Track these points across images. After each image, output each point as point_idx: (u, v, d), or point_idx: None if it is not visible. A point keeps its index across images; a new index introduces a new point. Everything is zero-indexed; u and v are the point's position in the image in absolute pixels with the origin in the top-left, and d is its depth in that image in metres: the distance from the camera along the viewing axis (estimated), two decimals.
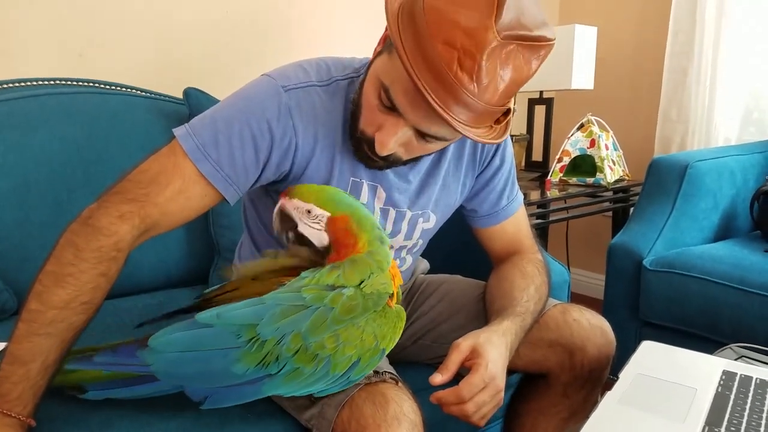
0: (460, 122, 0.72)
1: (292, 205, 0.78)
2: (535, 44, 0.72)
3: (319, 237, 0.79)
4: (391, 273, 0.79)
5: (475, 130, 0.75)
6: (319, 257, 0.81)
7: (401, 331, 0.79)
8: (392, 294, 0.79)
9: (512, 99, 0.78)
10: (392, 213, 0.95)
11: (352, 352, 0.73)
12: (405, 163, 0.86)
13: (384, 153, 0.80)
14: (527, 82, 0.76)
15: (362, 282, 0.75)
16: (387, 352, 0.78)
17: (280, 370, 0.71)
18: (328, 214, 0.78)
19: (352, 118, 0.84)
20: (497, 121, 0.79)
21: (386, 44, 0.79)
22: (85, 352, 0.79)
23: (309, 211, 0.78)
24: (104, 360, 0.75)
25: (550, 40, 0.73)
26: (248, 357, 0.71)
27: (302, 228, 0.79)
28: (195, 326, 0.73)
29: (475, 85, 0.70)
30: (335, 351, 0.72)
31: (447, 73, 0.69)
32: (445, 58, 0.69)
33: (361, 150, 0.84)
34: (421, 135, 0.79)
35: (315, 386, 0.74)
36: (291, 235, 0.80)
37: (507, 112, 0.80)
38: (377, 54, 0.81)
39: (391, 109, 0.77)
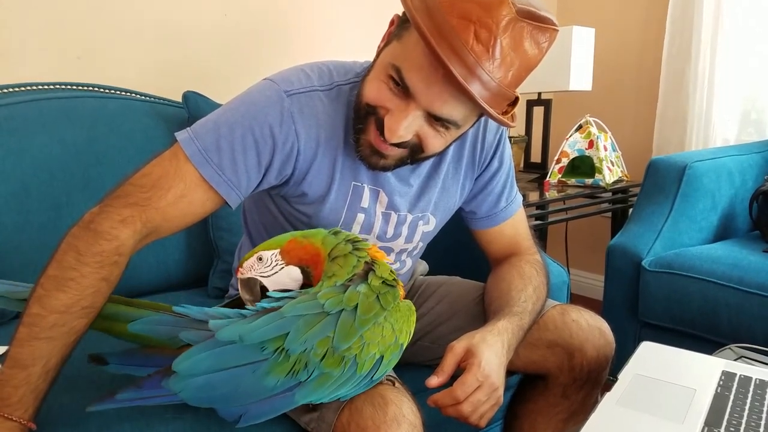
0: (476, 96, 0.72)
1: (245, 269, 0.79)
2: (543, 26, 0.74)
3: (287, 273, 0.79)
4: (376, 256, 0.80)
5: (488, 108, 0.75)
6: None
7: (414, 325, 0.79)
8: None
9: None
10: (394, 217, 0.95)
11: (375, 350, 0.73)
12: (412, 162, 0.86)
13: (393, 140, 0.78)
14: (532, 71, 0.78)
15: (367, 276, 0.76)
16: (404, 348, 0.78)
17: (310, 376, 0.71)
18: (277, 249, 0.79)
19: (355, 112, 0.84)
20: (504, 113, 0.80)
21: (392, 35, 0.80)
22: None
23: (260, 259, 0.79)
24: (129, 397, 0.72)
25: (556, 24, 0.76)
26: (277, 368, 0.70)
27: (267, 281, 0.79)
28: (217, 345, 0.72)
29: (491, 60, 0.72)
30: (360, 351, 0.72)
31: (463, 46, 0.70)
32: (461, 31, 0.70)
33: (364, 146, 0.83)
34: (431, 123, 0.78)
35: (342, 390, 0.73)
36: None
37: (513, 103, 0.80)
38: (382, 48, 0.82)
39: (402, 94, 0.76)
